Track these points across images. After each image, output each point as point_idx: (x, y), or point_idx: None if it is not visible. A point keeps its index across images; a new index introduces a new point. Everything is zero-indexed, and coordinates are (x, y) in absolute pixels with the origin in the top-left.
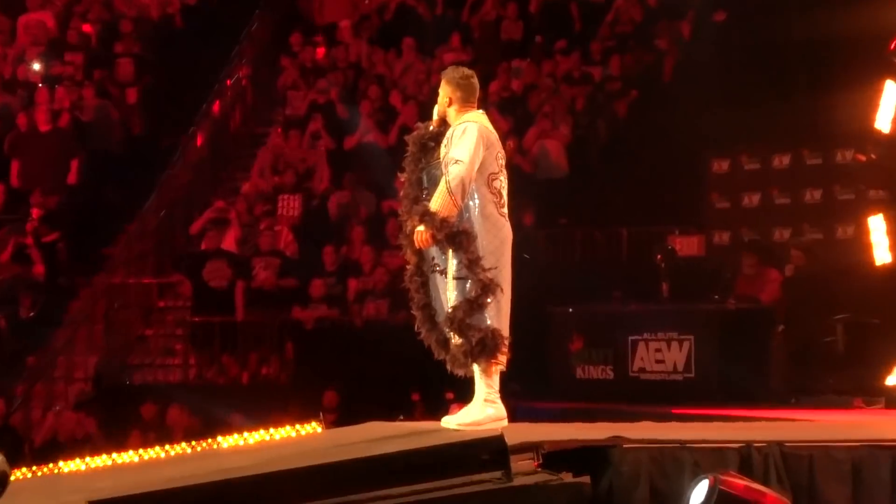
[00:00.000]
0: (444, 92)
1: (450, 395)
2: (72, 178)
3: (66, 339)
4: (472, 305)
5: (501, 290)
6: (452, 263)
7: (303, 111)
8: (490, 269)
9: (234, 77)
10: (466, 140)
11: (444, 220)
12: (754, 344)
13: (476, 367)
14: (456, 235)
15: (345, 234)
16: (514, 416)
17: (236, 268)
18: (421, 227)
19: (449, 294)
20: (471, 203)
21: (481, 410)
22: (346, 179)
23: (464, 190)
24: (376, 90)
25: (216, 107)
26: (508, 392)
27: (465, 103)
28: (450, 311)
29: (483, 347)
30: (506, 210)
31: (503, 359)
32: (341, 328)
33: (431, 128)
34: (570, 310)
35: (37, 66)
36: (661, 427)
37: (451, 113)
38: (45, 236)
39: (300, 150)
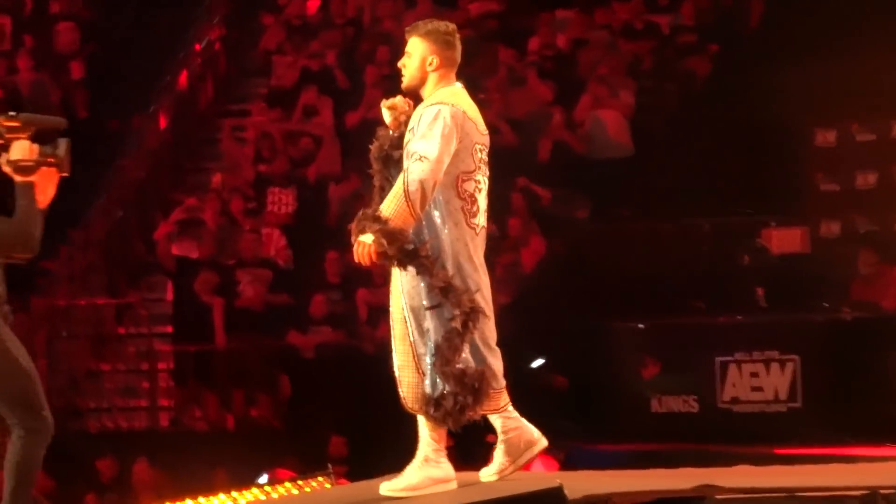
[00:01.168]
0: (421, 53)
1: (492, 439)
2: None
3: None
4: (458, 340)
5: (486, 315)
6: (422, 288)
7: (292, 81)
8: (474, 291)
9: (204, 41)
10: (436, 129)
11: (397, 231)
12: (876, 363)
13: (420, 418)
14: (413, 253)
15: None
16: (572, 461)
17: (213, 282)
18: (365, 238)
19: (426, 325)
20: (434, 212)
21: (419, 472)
22: (348, 166)
23: (425, 195)
24: (384, 52)
25: (182, 79)
26: (563, 432)
27: (450, 69)
28: (433, 347)
29: (474, 394)
30: (481, 220)
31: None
32: (349, 356)
33: (393, 132)
34: (641, 326)
35: None
36: (762, 472)
37: (430, 82)
38: None
39: (290, 131)
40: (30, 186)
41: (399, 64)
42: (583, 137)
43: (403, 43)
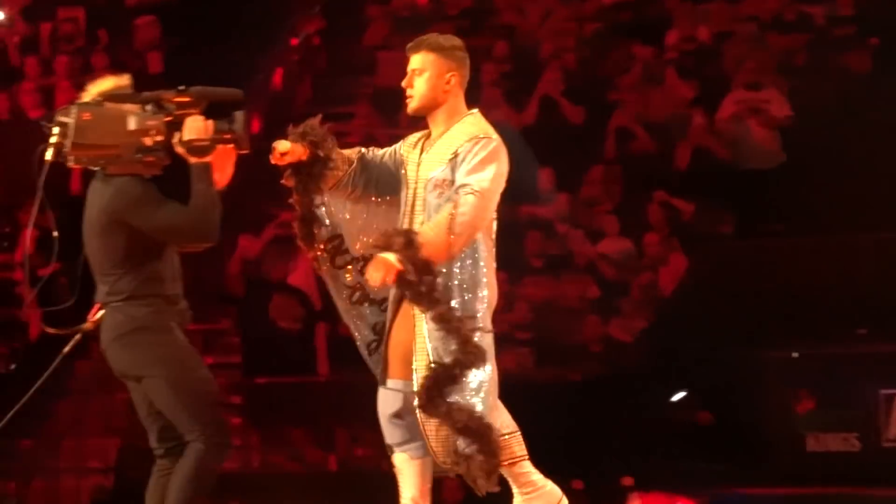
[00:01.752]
0: (437, 70)
1: (627, 482)
2: (75, 185)
3: (73, 415)
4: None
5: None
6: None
7: (398, 80)
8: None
9: (302, 35)
10: (491, 162)
11: (425, 262)
12: None
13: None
14: (433, 296)
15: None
16: None
17: (312, 308)
18: (388, 256)
19: (427, 335)
20: (475, 255)
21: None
22: None
23: (471, 235)
24: (503, 47)
25: (277, 77)
26: (707, 474)
27: (462, 91)
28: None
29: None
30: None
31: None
32: None
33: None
34: (795, 355)
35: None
36: None
37: (448, 105)
38: (40, 267)
39: (397, 136)
40: (207, 168)
41: (403, 84)
42: (728, 143)
43: (534, 35)
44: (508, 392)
